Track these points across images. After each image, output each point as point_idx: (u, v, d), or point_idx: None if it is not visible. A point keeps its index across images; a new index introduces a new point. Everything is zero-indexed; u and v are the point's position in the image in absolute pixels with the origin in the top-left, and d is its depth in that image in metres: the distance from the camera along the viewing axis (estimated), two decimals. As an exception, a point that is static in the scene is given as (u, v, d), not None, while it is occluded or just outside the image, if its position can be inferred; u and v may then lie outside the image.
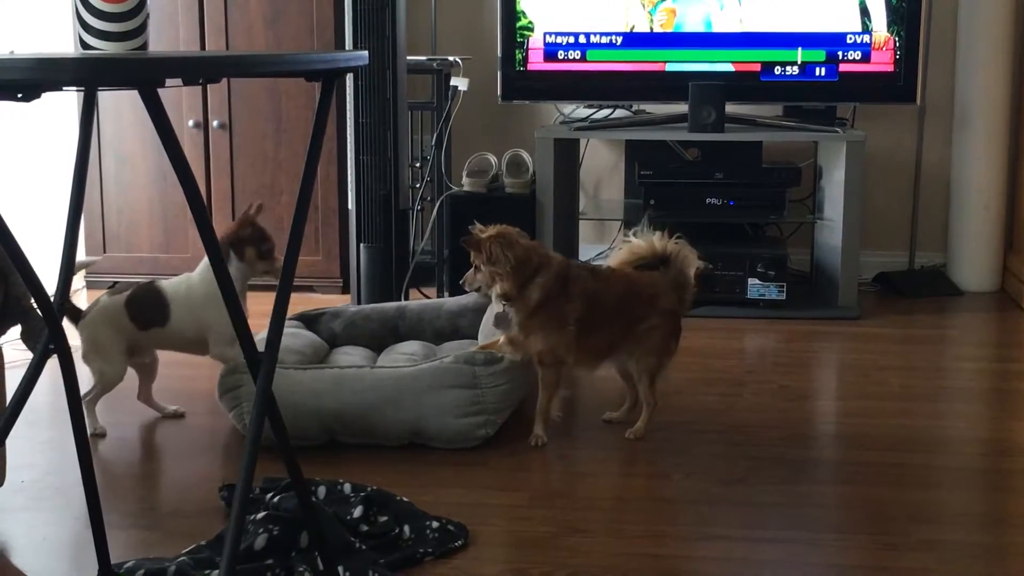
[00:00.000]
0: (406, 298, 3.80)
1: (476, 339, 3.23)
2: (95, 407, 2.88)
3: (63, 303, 1.86)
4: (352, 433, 2.74)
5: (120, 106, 4.38)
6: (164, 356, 3.28)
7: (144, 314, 2.87)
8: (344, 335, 3.28)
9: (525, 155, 4.35)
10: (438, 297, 4.07)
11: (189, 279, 2.88)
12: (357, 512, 2.26)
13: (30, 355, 1.97)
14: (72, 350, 1.87)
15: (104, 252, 4.51)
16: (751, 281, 4.07)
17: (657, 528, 2.32)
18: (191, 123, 4.37)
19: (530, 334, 2.75)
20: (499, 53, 4.27)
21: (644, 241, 2.92)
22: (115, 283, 4.53)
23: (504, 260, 2.69)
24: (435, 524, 2.25)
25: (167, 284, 2.90)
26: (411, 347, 3.16)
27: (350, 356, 3.10)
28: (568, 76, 4.27)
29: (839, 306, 4.08)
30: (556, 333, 2.75)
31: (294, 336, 3.10)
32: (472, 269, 2.77)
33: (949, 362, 3.65)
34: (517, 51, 4.26)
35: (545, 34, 4.25)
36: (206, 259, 2.78)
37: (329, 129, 4.16)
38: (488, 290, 2.76)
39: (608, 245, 4.68)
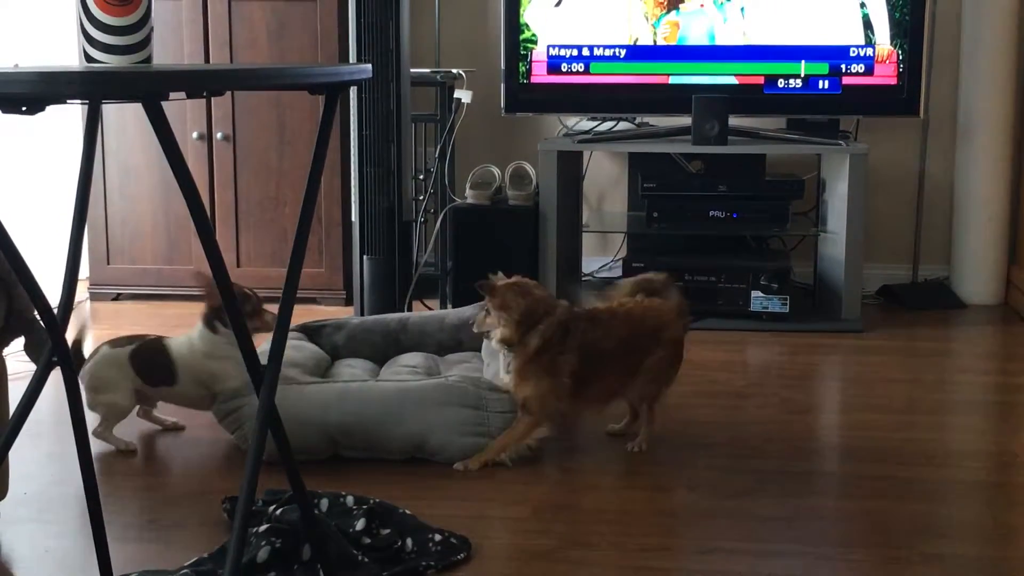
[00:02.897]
0: (409, 310, 3.80)
1: (479, 351, 3.23)
2: (111, 433, 2.87)
3: (66, 314, 1.86)
4: (356, 446, 2.73)
5: (124, 118, 4.39)
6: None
7: (151, 371, 2.87)
8: (346, 347, 3.28)
9: (528, 167, 4.36)
10: (441, 309, 4.07)
11: (191, 338, 2.86)
12: (360, 525, 2.26)
13: (33, 367, 1.97)
14: (74, 363, 1.87)
15: (108, 264, 4.52)
16: (754, 294, 4.06)
17: (660, 542, 2.31)
18: (195, 135, 4.37)
19: (522, 380, 2.74)
20: (502, 66, 4.28)
21: (635, 281, 2.96)
22: (118, 295, 4.54)
23: (514, 307, 2.72)
24: (438, 537, 2.25)
25: (173, 344, 2.88)
26: (413, 359, 3.16)
27: (352, 368, 3.10)
28: (571, 89, 4.28)
29: (842, 319, 4.08)
30: (547, 383, 2.73)
31: (296, 348, 3.09)
32: (483, 312, 2.80)
33: (953, 375, 3.64)
34: (520, 64, 4.27)
35: (548, 47, 4.26)
36: (199, 325, 2.83)
37: (333, 141, 4.17)
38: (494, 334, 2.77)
39: (612, 257, 4.68)
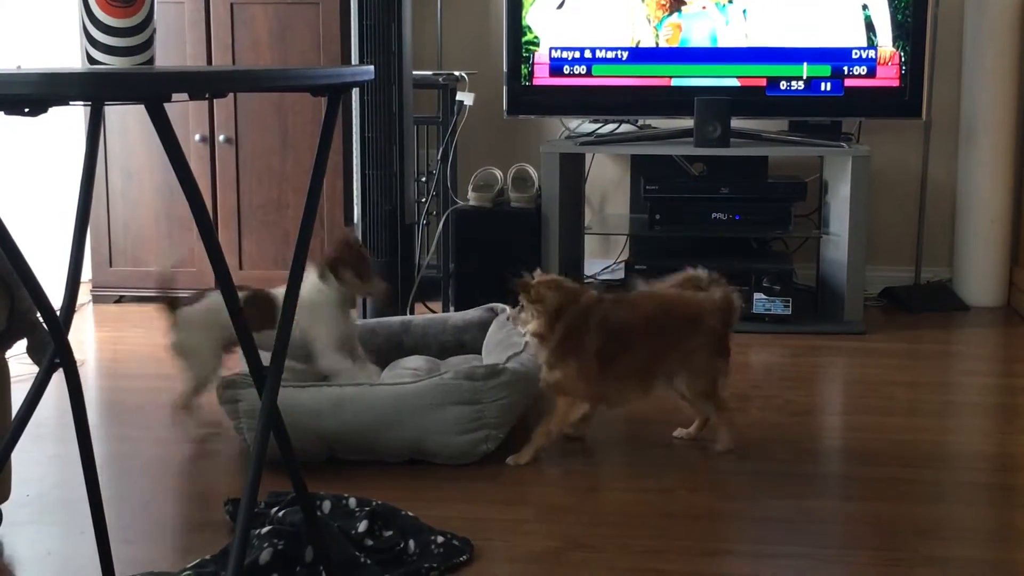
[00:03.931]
0: (411, 313, 3.80)
1: (480, 353, 3.23)
2: (193, 412, 2.89)
3: (68, 316, 1.86)
4: (352, 452, 2.73)
5: (127, 121, 4.39)
6: (164, 372, 3.29)
7: (256, 316, 2.86)
8: None
9: (531, 170, 4.36)
10: (443, 312, 4.07)
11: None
12: (362, 527, 2.26)
13: (36, 369, 1.97)
14: (77, 364, 1.87)
15: (110, 266, 4.52)
16: (757, 296, 4.06)
17: (663, 544, 2.31)
18: (197, 138, 4.38)
19: (551, 367, 2.79)
20: (505, 68, 4.28)
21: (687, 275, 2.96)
22: (121, 297, 4.54)
23: (546, 301, 2.75)
24: (440, 539, 2.25)
25: (277, 292, 2.89)
26: (415, 362, 3.15)
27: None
28: (574, 91, 4.28)
29: (845, 321, 4.08)
30: (574, 365, 2.77)
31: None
32: (518, 308, 2.82)
33: (955, 377, 3.64)
34: (523, 66, 4.27)
35: (551, 49, 4.26)
36: (312, 274, 2.85)
37: (335, 143, 4.17)
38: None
39: (614, 260, 4.68)
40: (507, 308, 3.25)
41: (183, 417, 2.95)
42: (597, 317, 2.78)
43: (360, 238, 2.90)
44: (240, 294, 2.81)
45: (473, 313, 3.39)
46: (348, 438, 2.70)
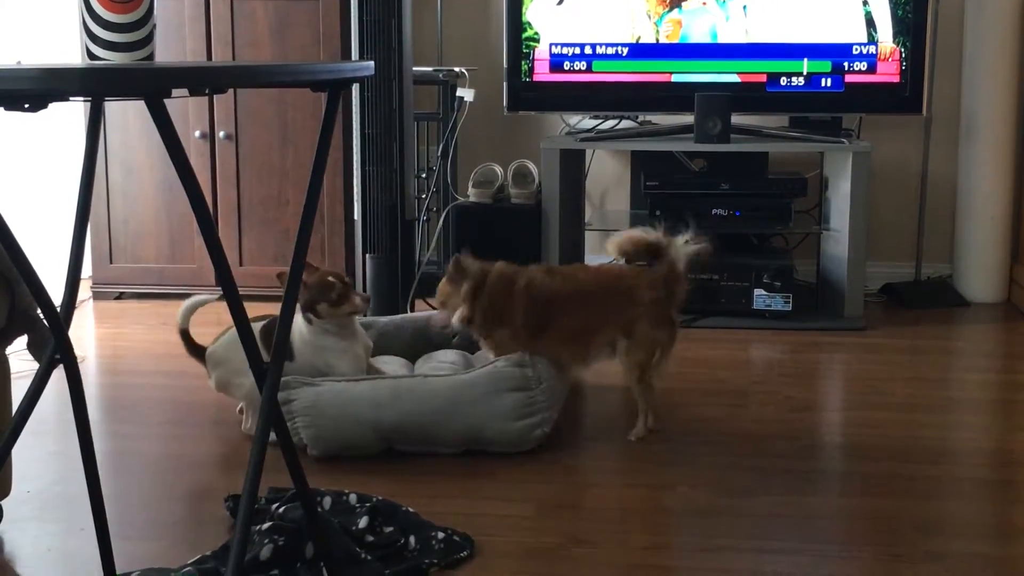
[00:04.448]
0: (411, 309, 3.80)
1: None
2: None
3: (69, 312, 1.86)
4: (410, 442, 2.76)
5: (127, 116, 4.39)
6: (165, 368, 3.29)
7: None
8: (376, 346, 3.29)
9: (531, 166, 4.36)
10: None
11: (298, 324, 2.90)
12: (362, 522, 2.26)
13: (36, 365, 1.97)
14: (78, 360, 1.87)
15: (110, 263, 4.52)
16: (757, 292, 4.06)
17: (662, 539, 2.31)
18: (197, 134, 4.38)
19: (484, 339, 2.91)
20: (505, 64, 4.28)
21: (641, 232, 2.96)
22: (121, 293, 4.54)
23: (461, 285, 2.88)
24: (440, 535, 2.25)
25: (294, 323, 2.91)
26: (448, 356, 3.19)
27: (388, 365, 3.12)
28: (574, 87, 4.28)
29: (845, 317, 4.08)
30: (503, 329, 2.87)
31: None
32: (439, 303, 2.97)
33: (955, 373, 3.64)
34: (523, 62, 4.27)
35: (551, 45, 4.26)
36: (299, 316, 2.88)
37: (335, 139, 4.17)
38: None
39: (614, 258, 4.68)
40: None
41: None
42: (522, 282, 2.88)
43: (342, 270, 2.93)
44: (259, 324, 2.83)
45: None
46: (407, 428, 2.73)
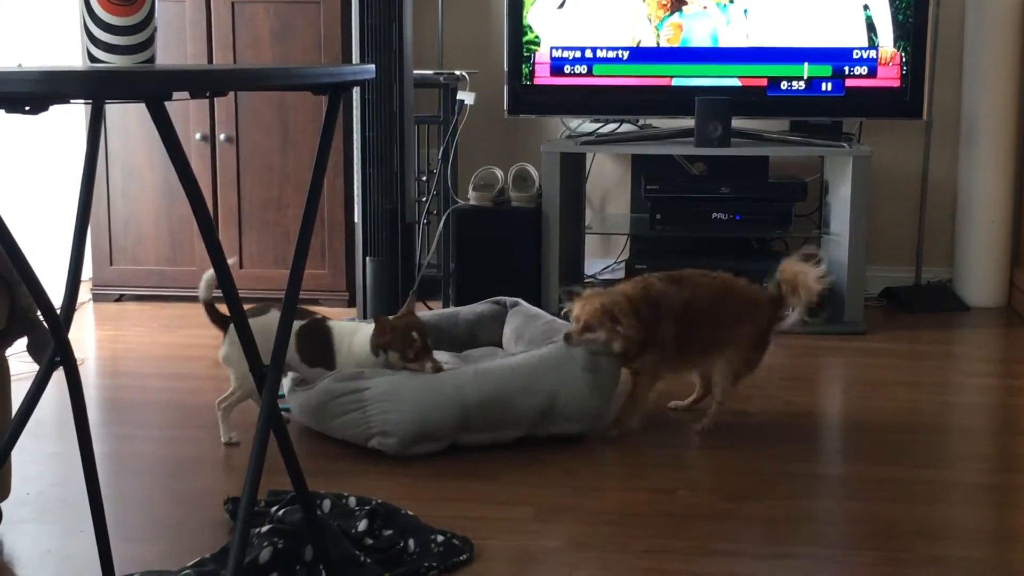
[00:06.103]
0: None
1: (500, 346, 3.31)
2: (230, 415, 2.88)
3: (69, 314, 1.86)
4: (487, 424, 2.80)
5: (127, 119, 4.39)
6: (165, 370, 3.29)
7: (311, 352, 2.89)
8: None
9: (531, 169, 4.36)
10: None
11: (358, 330, 2.90)
12: (362, 526, 2.26)
13: (36, 367, 1.97)
14: (78, 362, 1.87)
15: (111, 264, 4.52)
16: (757, 296, 4.06)
17: (662, 543, 2.31)
18: (198, 136, 4.38)
19: (630, 361, 2.91)
20: (506, 67, 4.28)
21: (811, 268, 3.02)
22: (121, 295, 4.54)
23: (630, 327, 2.84)
24: (440, 538, 2.25)
25: (336, 328, 2.92)
26: (487, 352, 3.25)
27: (443, 357, 3.14)
28: (574, 90, 4.28)
29: (845, 321, 4.07)
30: (657, 354, 2.90)
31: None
32: (580, 326, 2.88)
33: (955, 377, 3.64)
34: (524, 65, 4.27)
35: (552, 48, 4.26)
36: (368, 329, 2.88)
37: (336, 142, 4.17)
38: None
39: (614, 259, 4.68)
40: (519, 301, 3.36)
41: (219, 417, 2.91)
42: (665, 304, 2.89)
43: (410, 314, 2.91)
44: (298, 323, 2.81)
45: (481, 306, 3.41)
46: (488, 405, 2.78)
